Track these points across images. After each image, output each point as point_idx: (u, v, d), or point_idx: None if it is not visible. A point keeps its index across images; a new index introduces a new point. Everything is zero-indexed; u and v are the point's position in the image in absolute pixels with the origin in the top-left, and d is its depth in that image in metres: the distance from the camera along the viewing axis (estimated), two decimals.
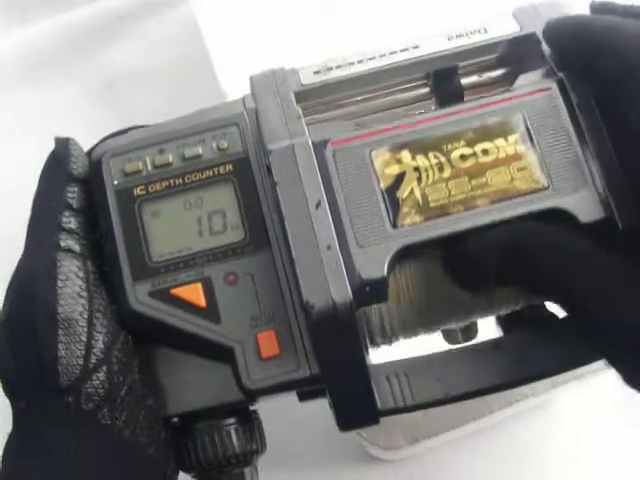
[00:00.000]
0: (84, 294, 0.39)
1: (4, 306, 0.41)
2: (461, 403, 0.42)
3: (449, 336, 0.47)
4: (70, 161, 0.42)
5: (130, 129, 0.45)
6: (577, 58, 0.41)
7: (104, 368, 0.38)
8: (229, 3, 0.71)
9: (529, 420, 0.63)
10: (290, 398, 0.42)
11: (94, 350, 0.38)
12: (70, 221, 0.41)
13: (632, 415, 0.64)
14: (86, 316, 0.39)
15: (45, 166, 0.43)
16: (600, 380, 0.60)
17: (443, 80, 0.45)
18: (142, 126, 0.45)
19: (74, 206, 0.41)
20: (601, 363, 0.43)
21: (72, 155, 0.43)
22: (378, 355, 0.43)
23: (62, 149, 0.43)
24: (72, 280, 0.39)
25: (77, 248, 0.40)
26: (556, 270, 0.37)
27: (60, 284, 0.39)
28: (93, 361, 0.38)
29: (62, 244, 0.40)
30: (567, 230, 0.39)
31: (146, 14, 0.81)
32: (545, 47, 0.43)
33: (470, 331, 0.46)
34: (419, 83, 0.46)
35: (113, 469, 0.38)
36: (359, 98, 0.45)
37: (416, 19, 0.69)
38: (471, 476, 0.62)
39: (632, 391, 0.63)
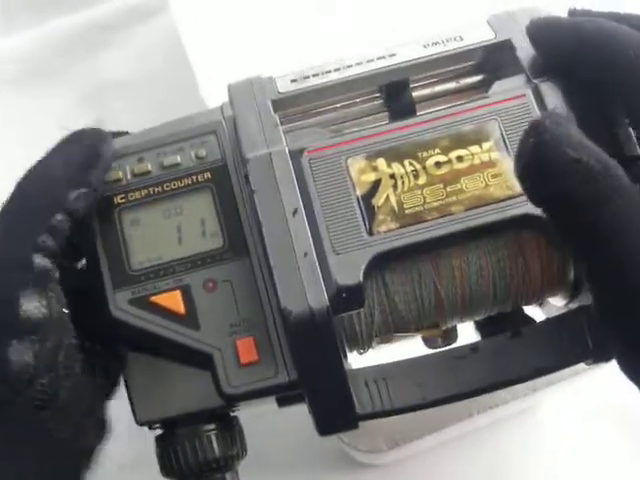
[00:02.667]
0: (45, 302, 0.38)
1: None
2: (441, 407, 0.42)
3: (429, 341, 0.47)
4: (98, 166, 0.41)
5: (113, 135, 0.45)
6: (565, 59, 0.41)
7: (51, 373, 0.37)
8: (210, 12, 0.72)
9: (512, 425, 0.63)
10: (271, 404, 0.43)
11: (43, 354, 0.37)
12: (61, 223, 0.39)
13: (615, 418, 0.64)
14: (44, 322, 0.37)
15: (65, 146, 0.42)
16: (582, 383, 0.61)
17: (396, 92, 0.45)
18: (123, 133, 0.45)
19: (71, 211, 0.39)
20: (583, 366, 0.43)
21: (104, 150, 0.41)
22: (357, 360, 0.44)
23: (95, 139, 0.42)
24: (41, 286, 0.38)
25: (53, 250, 0.38)
26: None
27: (28, 289, 0.37)
28: (40, 366, 0.37)
29: (41, 244, 0.38)
30: None
31: (128, 23, 0.81)
32: (520, 53, 0.43)
33: (450, 336, 0.47)
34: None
35: (53, 472, 0.38)
36: (336, 106, 0.46)
37: (394, 21, 0.69)
38: None
39: (615, 394, 0.64)
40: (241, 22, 0.72)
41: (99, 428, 0.41)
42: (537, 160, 0.35)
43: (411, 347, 0.45)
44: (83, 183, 0.40)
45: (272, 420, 0.53)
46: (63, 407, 0.38)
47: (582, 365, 0.43)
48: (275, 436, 0.60)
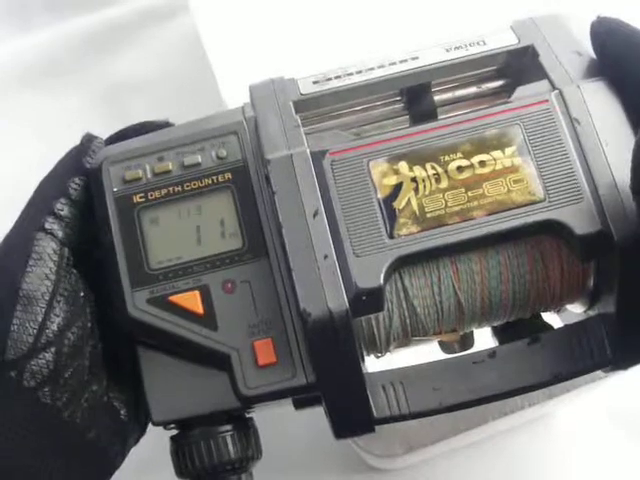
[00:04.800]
0: (52, 277, 0.40)
1: None
2: (457, 412, 0.42)
3: (445, 346, 0.47)
4: (87, 154, 0.43)
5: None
6: (624, 63, 0.41)
7: (53, 349, 0.39)
8: (230, 12, 0.72)
9: (528, 431, 0.63)
10: (286, 407, 0.43)
11: (47, 331, 0.39)
12: (63, 208, 0.42)
13: (632, 427, 0.64)
14: (47, 298, 0.39)
15: (63, 156, 0.44)
16: (598, 391, 0.60)
17: (417, 96, 0.45)
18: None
19: (72, 196, 0.42)
20: (599, 373, 0.43)
21: (91, 150, 0.44)
22: (374, 363, 0.44)
23: (84, 143, 0.44)
24: (44, 261, 0.40)
25: (60, 234, 0.41)
26: None
27: (31, 262, 0.40)
28: (43, 341, 0.38)
29: (46, 226, 0.41)
30: None
31: (148, 24, 0.81)
32: (543, 59, 0.43)
33: (466, 342, 0.47)
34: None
35: (47, 448, 0.39)
36: (358, 108, 0.46)
37: (417, 25, 0.69)
38: None
39: (632, 402, 0.63)
40: (262, 23, 0.71)
41: (117, 426, 0.42)
42: None
43: (427, 351, 0.45)
44: (77, 171, 0.43)
45: (284, 422, 0.53)
46: (66, 387, 0.39)
47: (599, 372, 0.43)
48: (287, 438, 0.60)
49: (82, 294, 0.41)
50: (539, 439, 0.63)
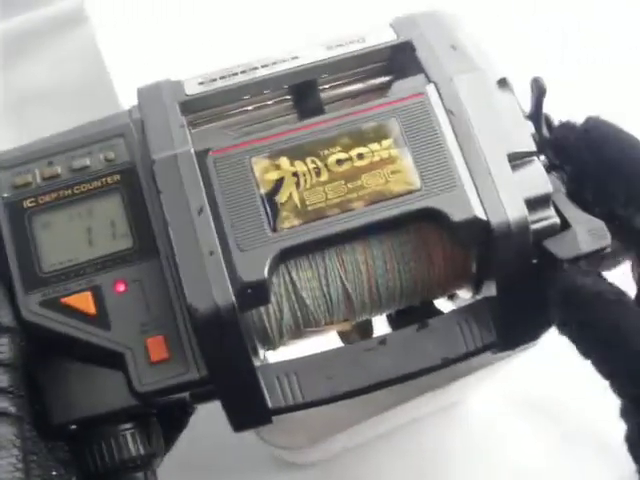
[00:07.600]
0: (20, 466, 0.37)
1: None
2: (358, 401, 0.43)
3: (346, 337, 0.48)
4: None
5: None
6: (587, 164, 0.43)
7: None
8: (128, 21, 0.72)
9: (436, 422, 0.65)
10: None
11: None
12: (1, 380, 0.39)
13: (537, 412, 0.66)
14: None
15: None
16: (510, 378, 0.62)
17: (304, 94, 0.47)
18: None
19: (4, 361, 0.39)
20: (498, 355, 0.45)
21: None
22: (273, 355, 0.45)
23: None
24: (8, 450, 0.38)
25: (12, 409, 0.38)
26: None
27: None
28: None
29: None
30: None
31: (47, 34, 0.81)
32: (420, 54, 0.44)
33: (365, 331, 0.48)
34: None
35: None
36: (247, 108, 0.47)
37: (300, 28, 0.72)
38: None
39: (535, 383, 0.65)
40: (159, 31, 0.72)
41: None
42: None
43: (328, 342, 0.46)
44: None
45: (195, 421, 0.54)
46: None
47: (498, 355, 0.45)
48: (201, 437, 0.61)
49: (54, 472, 0.39)
50: (450, 428, 0.65)
